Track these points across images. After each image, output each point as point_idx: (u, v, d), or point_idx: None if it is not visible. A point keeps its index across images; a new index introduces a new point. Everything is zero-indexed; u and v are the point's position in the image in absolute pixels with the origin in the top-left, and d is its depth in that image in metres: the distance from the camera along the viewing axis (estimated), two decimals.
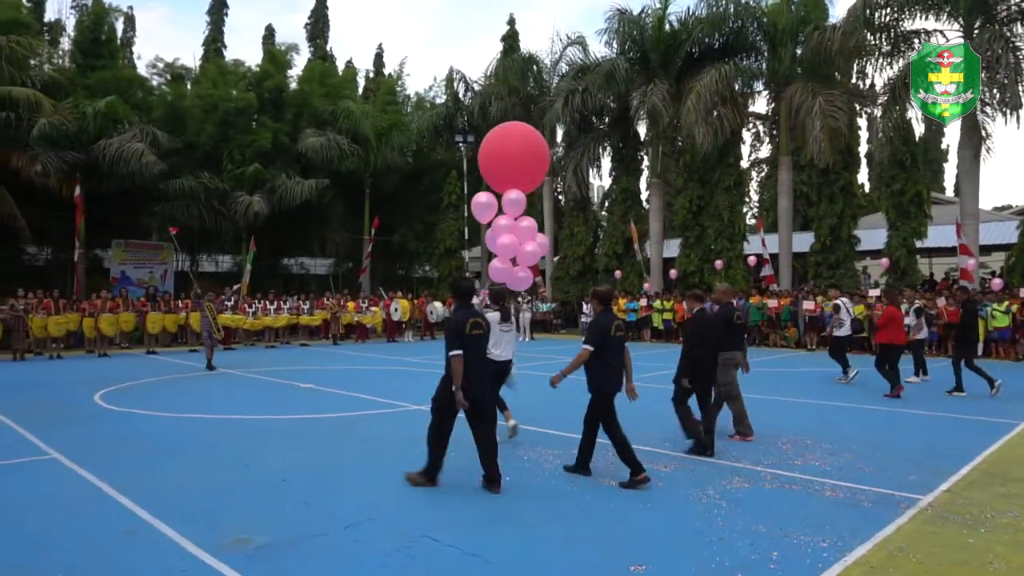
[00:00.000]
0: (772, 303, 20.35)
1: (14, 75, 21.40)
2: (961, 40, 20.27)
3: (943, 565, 4.20)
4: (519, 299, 25.07)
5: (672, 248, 27.41)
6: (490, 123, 26.90)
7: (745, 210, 28.58)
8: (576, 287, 27.49)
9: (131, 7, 47.58)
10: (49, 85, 23.00)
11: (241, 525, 4.85)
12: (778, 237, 24.19)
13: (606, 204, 32.66)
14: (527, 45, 35.74)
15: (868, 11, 21.07)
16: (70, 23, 31.57)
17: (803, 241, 25.38)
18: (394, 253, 33.05)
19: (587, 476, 6.14)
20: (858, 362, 12.97)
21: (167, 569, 4.15)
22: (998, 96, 20.22)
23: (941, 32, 20.94)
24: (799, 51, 23.45)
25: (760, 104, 28.47)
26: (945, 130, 53.91)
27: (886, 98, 21.79)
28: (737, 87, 24.78)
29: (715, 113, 23.31)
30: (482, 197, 8.09)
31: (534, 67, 30.74)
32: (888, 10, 21.39)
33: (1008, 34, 19.56)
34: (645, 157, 28.89)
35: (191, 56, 62.57)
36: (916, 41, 21.14)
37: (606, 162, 29.91)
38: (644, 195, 28.60)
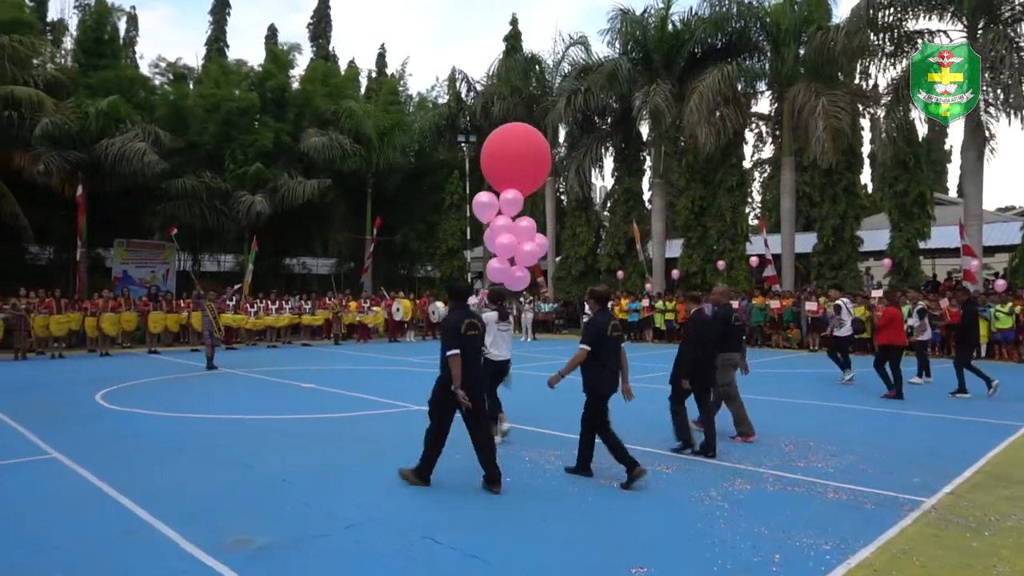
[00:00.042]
0: (774, 304, 20.31)
1: (16, 74, 21.42)
2: (964, 40, 20.23)
3: (947, 568, 4.17)
4: (522, 299, 25.08)
5: (674, 248, 27.37)
6: (492, 123, 26.94)
7: (748, 211, 28.55)
8: (578, 287, 27.46)
9: (134, 7, 47.74)
10: (52, 84, 23.02)
11: (241, 525, 4.84)
12: (781, 238, 24.14)
13: (608, 204, 32.68)
14: (529, 45, 35.84)
15: (871, 11, 21.02)
16: (73, 22, 31.64)
17: (806, 242, 25.33)
18: (396, 253, 33.06)
19: (588, 477, 6.11)
20: (858, 363, 12.92)
21: (167, 570, 4.14)
22: (1002, 97, 20.15)
23: (945, 32, 20.89)
24: (802, 51, 23.39)
25: (763, 104, 28.55)
26: (949, 131, 53.81)
27: (889, 99, 21.75)
28: (740, 87, 24.74)
29: (718, 113, 23.26)
30: (483, 197, 8.08)
31: (536, 67, 30.72)
32: (891, 10, 21.32)
33: (1012, 35, 19.50)
34: (647, 157, 28.87)
35: (194, 56, 62.72)
36: (920, 41, 21.06)
37: (608, 162, 29.96)
38: (646, 195, 28.60)
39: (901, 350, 10.90)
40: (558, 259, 29.96)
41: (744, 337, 8.38)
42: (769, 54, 24.69)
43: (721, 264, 23.39)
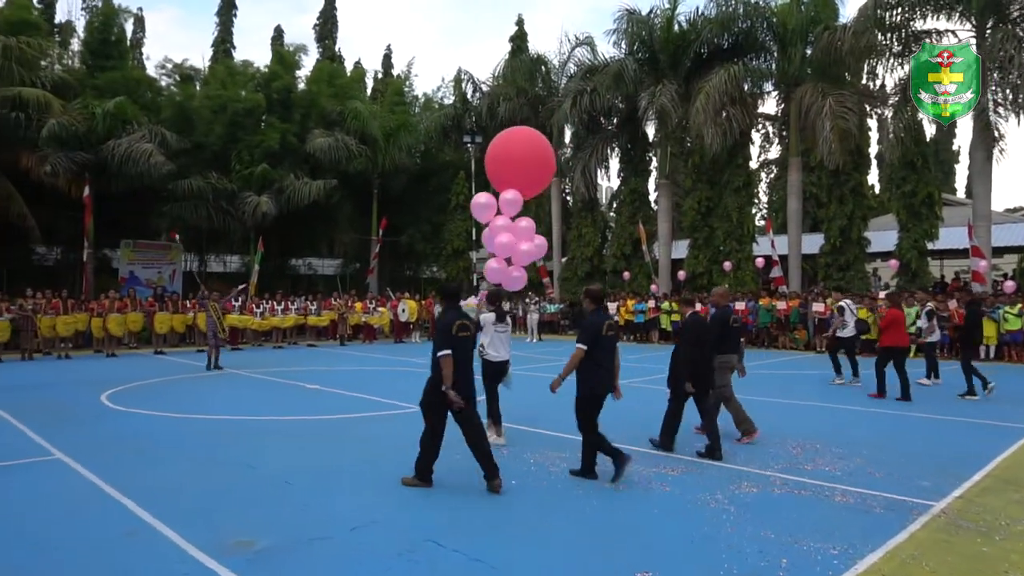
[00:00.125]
0: (781, 305, 20.20)
1: (24, 76, 21.50)
2: (966, 41, 20.09)
3: (957, 574, 4.11)
4: (527, 300, 25.04)
5: (680, 249, 27.28)
6: (498, 124, 26.92)
7: (754, 211, 28.43)
8: (584, 288, 27.40)
9: (140, 8, 48.00)
10: (59, 86, 23.10)
11: (243, 527, 4.81)
12: (787, 238, 24.03)
13: (614, 205, 32.58)
14: (535, 46, 35.85)
15: (879, 11, 20.88)
16: (80, 24, 31.77)
17: (813, 243, 25.21)
18: (402, 254, 33.06)
19: (593, 479, 6.07)
20: (863, 364, 12.82)
21: (168, 571, 4.12)
22: (1011, 97, 20.01)
23: (953, 32, 20.76)
24: (809, 51, 23.29)
25: (769, 105, 28.48)
26: (957, 131, 53.73)
27: (897, 99, 21.63)
28: (746, 88, 24.63)
29: (724, 114, 23.18)
30: (481, 197, 8.08)
31: (542, 68, 30.68)
32: (899, 10, 21.20)
33: (1021, 34, 19.33)
34: (653, 158, 28.76)
35: (200, 57, 62.90)
36: (928, 41, 20.94)
37: (614, 163, 29.85)
38: (652, 196, 28.49)
39: (904, 352, 10.84)
40: (564, 260, 29.91)
41: (742, 339, 8.33)
42: (776, 54, 24.56)
43: (727, 265, 23.30)
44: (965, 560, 4.32)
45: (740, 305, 20.36)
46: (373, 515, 5.11)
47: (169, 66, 29.54)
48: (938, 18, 21.02)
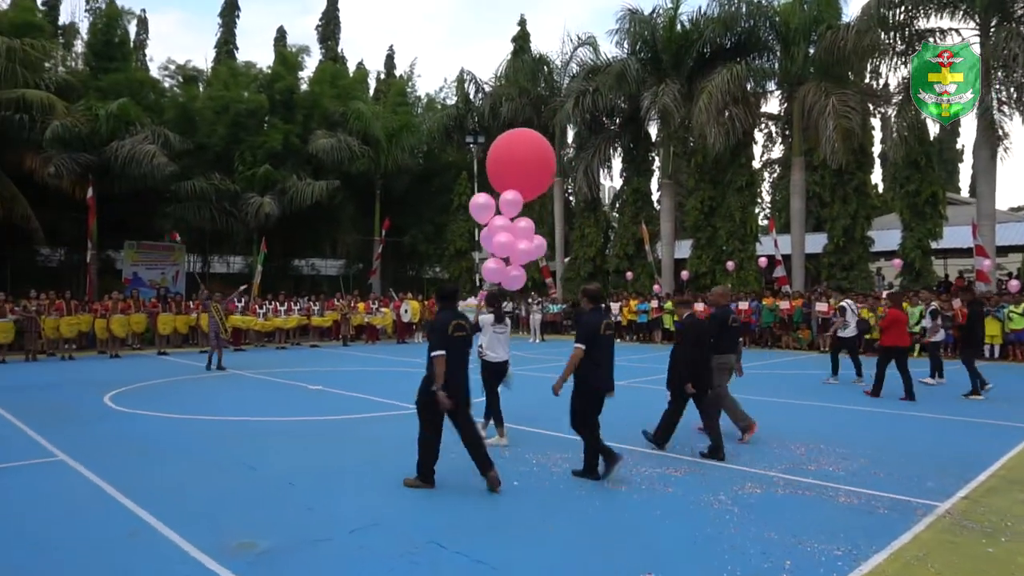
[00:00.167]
0: (784, 305, 20.15)
1: (28, 78, 21.56)
2: (976, 39, 20.03)
3: None
4: (530, 300, 25.02)
5: (683, 249, 27.23)
6: (501, 124, 26.91)
7: (757, 211, 28.32)
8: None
9: (144, 10, 47.98)
10: (62, 87, 23.18)
11: (245, 529, 4.81)
12: (791, 238, 23.96)
13: (617, 205, 32.50)
14: (538, 46, 35.65)
15: (882, 10, 20.81)
16: (84, 26, 31.80)
17: (816, 242, 25.14)
18: (404, 254, 33.07)
19: (596, 480, 6.05)
20: (867, 364, 12.78)
21: (169, 573, 4.12)
22: (1015, 95, 19.91)
23: (956, 31, 20.67)
24: (812, 50, 23.22)
25: (772, 104, 28.25)
26: (961, 130, 53.61)
27: (900, 98, 21.54)
28: (749, 87, 24.57)
29: (727, 113, 23.12)
30: (480, 198, 8.10)
31: (545, 68, 30.66)
32: (902, 8, 21.12)
33: None
34: (656, 158, 28.71)
35: (203, 58, 62.97)
36: (931, 40, 20.87)
37: (617, 163, 29.83)
38: (655, 196, 28.43)
39: (905, 352, 10.83)
40: (566, 260, 29.87)
41: (740, 339, 8.35)
42: (779, 53, 24.50)
43: (730, 265, 23.24)
44: (970, 561, 4.29)
45: (744, 305, 20.33)
46: (375, 516, 5.10)
47: (172, 67, 29.61)
48: (941, 16, 20.94)
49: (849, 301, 13.22)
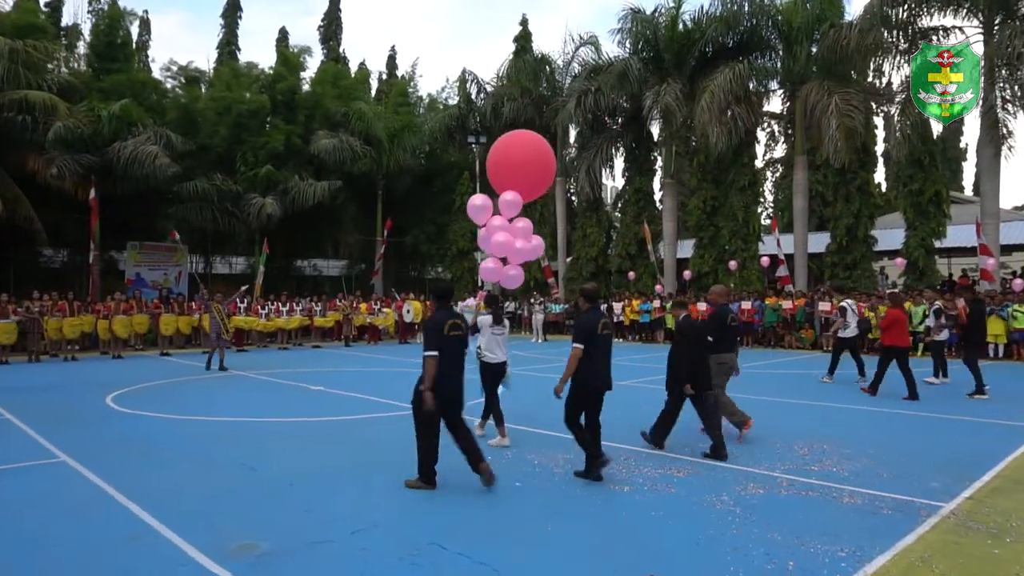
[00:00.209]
0: (787, 304, 20.10)
1: (31, 79, 21.55)
2: (980, 37, 19.96)
3: None
4: (532, 300, 25.00)
5: (686, 249, 27.20)
6: (503, 124, 26.88)
7: (760, 210, 28.32)
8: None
9: (146, 11, 48.14)
10: (65, 89, 23.17)
11: (245, 531, 4.79)
12: (793, 237, 23.92)
13: (619, 205, 32.49)
14: (540, 46, 35.64)
15: (885, 8, 20.75)
16: (86, 27, 31.84)
17: (819, 241, 25.08)
18: (406, 255, 33.07)
19: (598, 481, 6.02)
20: (870, 364, 12.74)
21: (169, 575, 4.10)
22: (1019, 94, 19.83)
23: (960, 29, 20.61)
24: (814, 49, 23.18)
25: (775, 103, 28.23)
26: (964, 128, 53.37)
27: (903, 96, 21.45)
28: (751, 86, 24.55)
29: (729, 113, 23.08)
30: (477, 200, 8.12)
31: (546, 68, 30.64)
32: (905, 6, 21.06)
33: None
34: (658, 157, 28.70)
35: (205, 59, 63.05)
36: (934, 38, 20.80)
37: (619, 162, 29.82)
38: (657, 195, 28.41)
39: (905, 351, 10.80)
40: (569, 260, 29.84)
41: (738, 339, 8.37)
42: (781, 52, 24.46)
43: (733, 264, 23.19)
44: (975, 562, 4.26)
45: (746, 304, 20.29)
46: (376, 518, 5.09)
47: (174, 68, 29.60)
48: (945, 14, 20.86)
49: (850, 301, 13.24)
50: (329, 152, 27.08)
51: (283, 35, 48.33)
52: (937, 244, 22.04)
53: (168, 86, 29.25)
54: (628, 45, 26.70)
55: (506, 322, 7.72)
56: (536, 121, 29.08)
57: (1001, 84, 19.82)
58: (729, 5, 24.27)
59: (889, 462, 6.64)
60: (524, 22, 32.43)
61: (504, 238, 7.71)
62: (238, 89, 27.96)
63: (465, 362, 6.08)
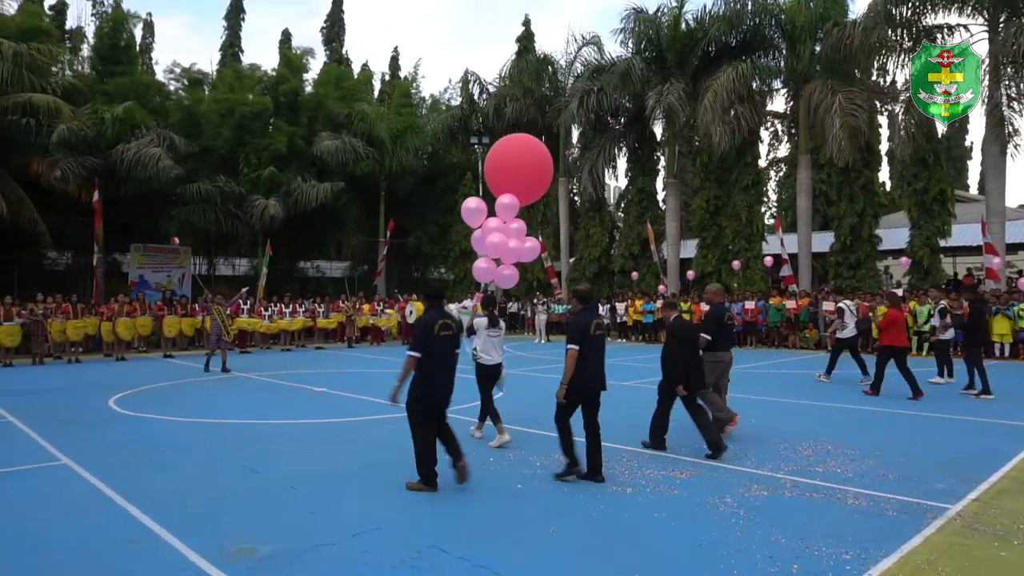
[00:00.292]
0: (791, 304, 20.03)
1: (35, 82, 21.61)
2: (985, 35, 19.86)
3: None
4: (535, 301, 24.95)
5: (689, 249, 27.12)
6: (505, 124, 26.87)
7: (763, 210, 28.22)
8: (592, 288, 27.28)
9: (150, 14, 48.24)
10: (69, 91, 23.25)
11: (247, 533, 4.77)
12: (797, 237, 23.83)
13: (622, 205, 32.45)
14: (542, 46, 35.40)
15: (889, 6, 20.67)
16: (90, 30, 31.90)
17: (823, 241, 24.99)
18: (409, 256, 33.05)
19: (600, 482, 5.99)
20: (869, 364, 12.69)
21: None
22: None
23: (965, 27, 20.51)
24: (818, 48, 23.09)
25: (778, 102, 28.19)
26: (969, 127, 53.18)
27: (908, 95, 21.36)
28: (755, 85, 24.46)
29: (732, 112, 23.00)
30: (472, 203, 8.12)
31: (549, 68, 30.58)
32: (909, 5, 20.97)
33: None
34: (661, 157, 28.64)
35: (208, 61, 63.20)
36: (939, 36, 20.70)
37: (622, 162, 29.75)
38: (660, 195, 28.37)
39: (903, 352, 10.77)
40: (572, 260, 29.79)
41: (734, 337, 8.41)
42: (784, 51, 24.37)
43: (736, 264, 23.13)
44: (982, 565, 4.21)
45: (750, 304, 20.22)
46: (378, 520, 5.06)
47: (177, 70, 29.68)
48: (949, 12, 20.76)
49: (847, 302, 13.30)
50: (332, 153, 27.09)
51: (286, 37, 48.45)
52: (942, 243, 21.94)
53: (171, 88, 29.35)
54: (631, 45, 26.64)
55: (502, 324, 7.71)
56: (539, 121, 29.05)
57: (1006, 82, 19.73)
58: (732, 4, 24.17)
59: (893, 463, 6.58)
60: (527, 22, 32.40)
61: (498, 239, 7.71)
62: (241, 91, 27.99)
63: (458, 362, 6.07)
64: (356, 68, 41.28)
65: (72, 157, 21.58)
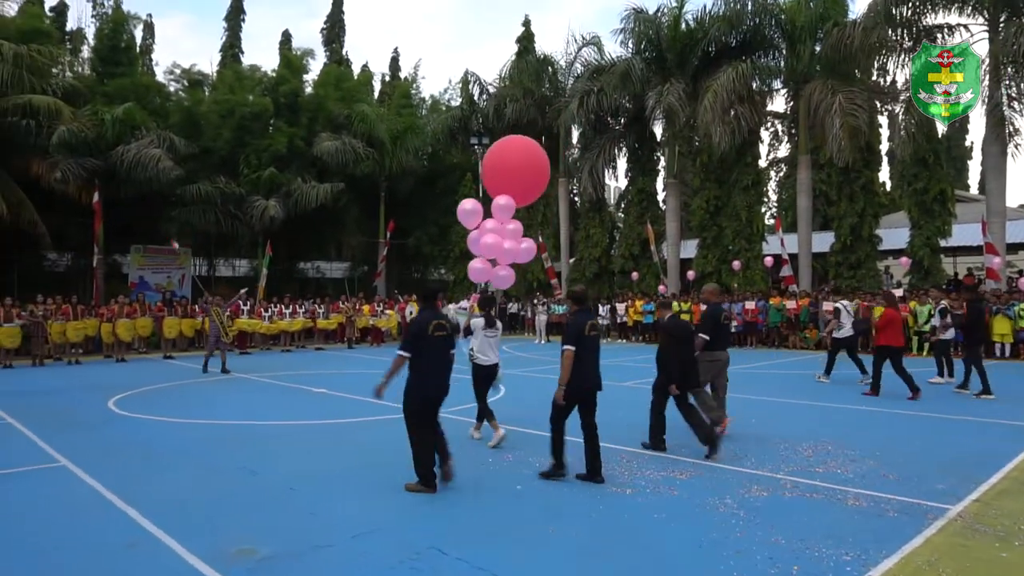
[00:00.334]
0: (791, 304, 20.01)
1: (35, 84, 21.61)
2: (985, 34, 19.85)
3: None
4: (535, 301, 24.94)
5: (689, 249, 27.12)
6: (505, 125, 26.85)
7: (763, 210, 28.21)
8: (592, 289, 27.27)
9: (150, 15, 48.32)
10: (69, 93, 23.26)
11: (246, 534, 4.76)
12: (797, 237, 23.82)
13: (622, 205, 32.42)
14: (542, 47, 35.37)
15: (889, 6, 20.66)
16: (90, 31, 31.94)
17: (823, 241, 24.98)
18: (409, 256, 33.05)
19: (600, 483, 5.98)
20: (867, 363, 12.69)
21: None
22: None
23: (965, 27, 20.50)
24: (818, 48, 23.09)
25: (778, 102, 28.17)
26: (970, 126, 53.16)
27: (908, 95, 21.35)
28: (755, 85, 24.46)
29: (732, 112, 23.00)
30: (467, 204, 8.14)
31: (549, 68, 30.59)
32: (909, 5, 20.96)
33: None
34: (661, 157, 28.63)
35: (208, 62, 63.23)
36: (939, 36, 20.69)
37: (622, 163, 29.76)
38: (660, 196, 28.36)
39: (900, 352, 10.78)
40: (572, 260, 29.79)
41: (731, 336, 8.43)
42: (784, 51, 24.37)
43: (737, 264, 23.12)
44: (983, 566, 4.20)
45: (750, 304, 20.20)
46: (377, 522, 5.05)
47: (178, 71, 29.71)
48: (950, 12, 20.76)
49: (844, 302, 13.31)
50: (332, 154, 27.09)
51: (286, 38, 48.50)
52: (942, 243, 21.93)
53: (171, 89, 29.36)
54: (631, 45, 26.65)
55: (499, 325, 7.70)
56: (539, 122, 29.05)
57: (1007, 82, 19.72)
58: (732, 4, 24.18)
59: (893, 463, 6.57)
60: (526, 23, 32.41)
61: (492, 240, 7.71)
62: (241, 92, 28.00)
63: (454, 362, 6.08)
64: (356, 69, 41.33)
65: (72, 158, 21.58)
